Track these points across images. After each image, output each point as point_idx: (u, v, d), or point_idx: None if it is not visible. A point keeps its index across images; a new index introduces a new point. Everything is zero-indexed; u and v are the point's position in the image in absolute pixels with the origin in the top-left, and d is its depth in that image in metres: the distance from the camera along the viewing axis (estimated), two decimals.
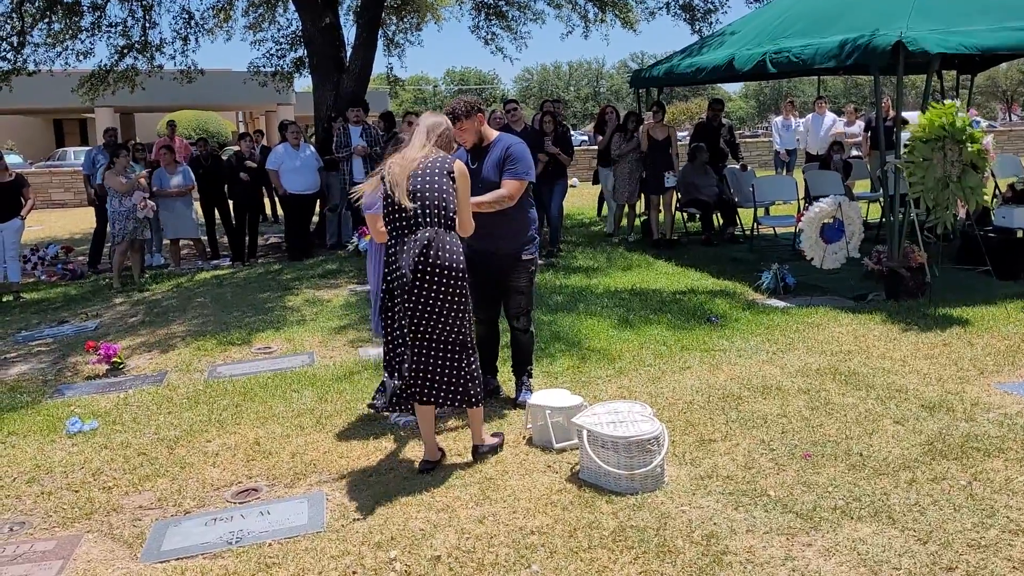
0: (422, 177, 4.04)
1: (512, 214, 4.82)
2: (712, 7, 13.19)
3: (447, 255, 3.98)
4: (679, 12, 13.60)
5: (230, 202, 11.17)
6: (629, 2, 14.91)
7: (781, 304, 7.16)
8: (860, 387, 5.02)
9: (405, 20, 16.87)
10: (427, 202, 4.00)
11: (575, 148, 11.98)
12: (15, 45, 12.53)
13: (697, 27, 13.29)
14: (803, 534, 3.35)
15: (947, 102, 6.74)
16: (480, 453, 4.28)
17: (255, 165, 10.64)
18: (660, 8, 14.14)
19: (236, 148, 11.88)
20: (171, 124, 13.97)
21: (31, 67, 13.02)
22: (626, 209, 11.32)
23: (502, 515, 3.64)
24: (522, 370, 5.08)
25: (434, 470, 4.14)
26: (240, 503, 3.97)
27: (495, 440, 4.39)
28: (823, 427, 4.44)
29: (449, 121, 4.34)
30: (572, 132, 15.24)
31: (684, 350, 5.95)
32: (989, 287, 7.33)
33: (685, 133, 15.46)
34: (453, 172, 4.10)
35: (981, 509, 3.48)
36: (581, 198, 14.76)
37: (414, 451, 4.41)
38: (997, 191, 10.44)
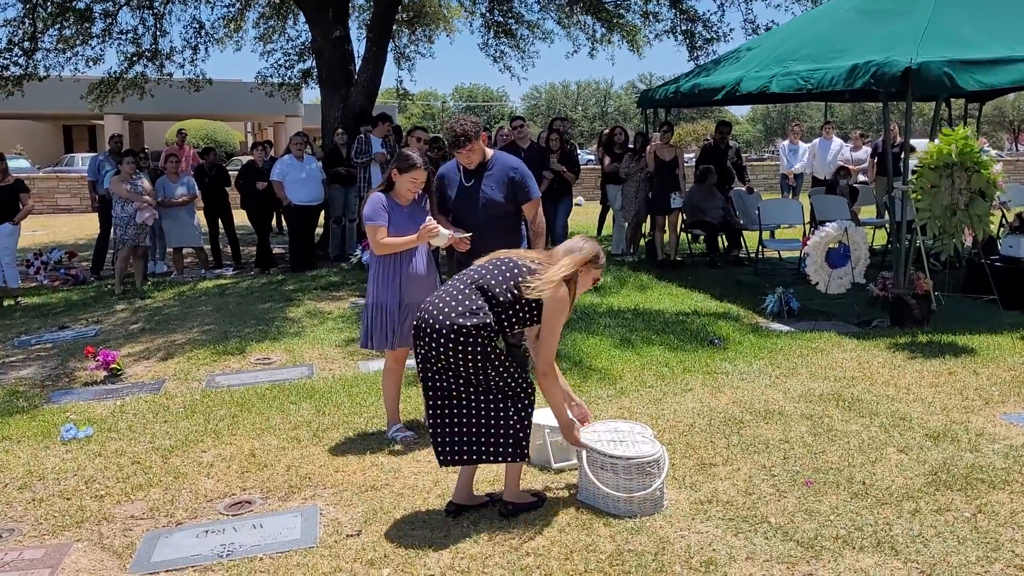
0: (501, 265, 3.70)
1: (506, 231, 4.85)
2: (713, 36, 13.26)
3: (447, 314, 3.55)
4: (680, 38, 13.67)
5: (244, 211, 11.14)
6: (636, 24, 14.98)
7: (785, 328, 7.11)
8: (864, 414, 4.96)
9: (416, 34, 16.95)
10: (488, 273, 3.68)
11: (581, 167, 11.97)
12: (27, 50, 12.59)
13: (695, 55, 13.36)
14: (804, 563, 3.29)
15: (959, 129, 6.71)
16: (508, 511, 3.74)
17: (265, 183, 10.62)
18: (665, 32, 14.20)
19: (250, 157, 11.86)
20: (181, 133, 14.01)
21: (41, 72, 13.07)
22: (626, 228, 11.33)
23: (498, 535, 3.58)
24: None
25: (460, 515, 3.79)
26: (233, 515, 3.91)
27: (532, 499, 3.86)
28: (825, 454, 4.39)
29: (594, 253, 3.72)
30: (579, 151, 15.26)
31: (686, 372, 5.90)
32: (995, 316, 7.27)
33: (691, 155, 15.46)
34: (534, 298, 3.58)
35: (986, 542, 3.42)
36: (586, 216, 14.76)
37: (411, 467, 4.35)
38: (1004, 220, 10.40)
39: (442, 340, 3.53)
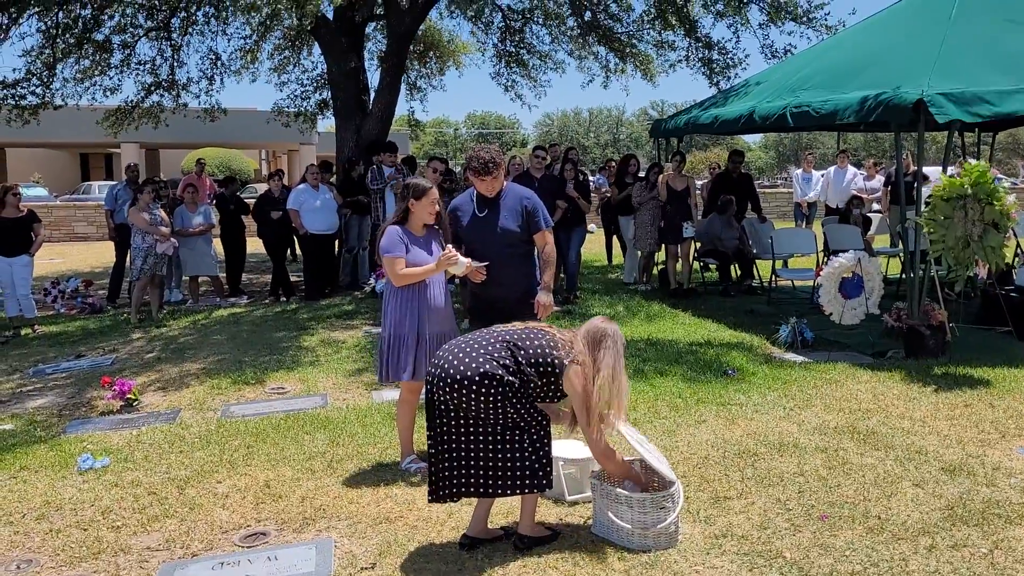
0: (533, 334, 3.73)
1: (519, 261, 4.88)
2: (731, 63, 13.30)
3: (475, 359, 3.57)
4: (698, 65, 13.72)
5: (260, 240, 11.23)
6: (649, 54, 15.06)
7: (799, 359, 7.09)
8: (879, 447, 4.94)
9: (427, 66, 17.11)
10: (518, 336, 3.70)
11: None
12: (44, 80, 12.76)
13: (715, 81, 13.39)
14: None
15: (972, 162, 6.72)
16: (523, 544, 3.73)
17: (280, 212, 10.71)
18: (680, 60, 14.27)
19: (267, 187, 11.95)
20: (200, 162, 14.14)
21: (58, 101, 13.23)
22: (639, 256, 11.36)
23: (512, 568, 3.57)
24: None
25: (474, 548, 3.78)
26: (248, 547, 3.93)
27: (546, 533, 3.84)
28: (840, 488, 4.37)
29: (622, 343, 3.73)
30: (592, 178, 15.34)
31: (700, 403, 5.89)
32: (1010, 348, 7.24)
33: (701, 181, 15.50)
34: (557, 363, 3.60)
35: None
36: (599, 244, 14.79)
37: (425, 499, 4.33)
38: (1019, 250, 10.36)
39: (464, 387, 3.52)
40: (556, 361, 3.60)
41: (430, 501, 3.77)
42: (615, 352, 3.62)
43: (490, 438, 3.64)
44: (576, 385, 3.59)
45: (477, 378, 3.52)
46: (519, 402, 3.58)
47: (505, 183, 4.97)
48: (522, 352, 3.60)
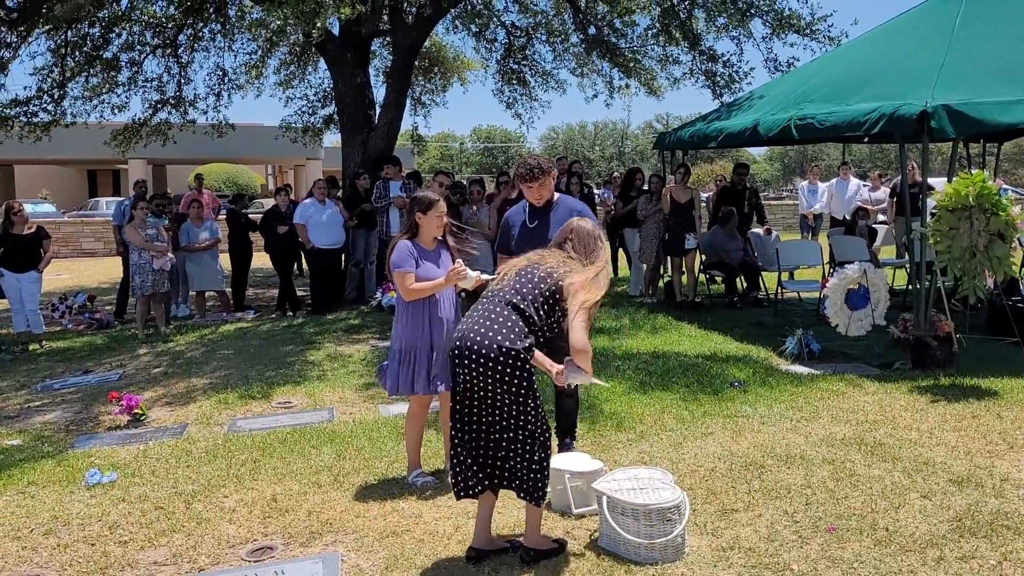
0: (525, 278, 3.81)
1: None
2: (734, 78, 13.33)
3: (492, 338, 3.59)
4: (702, 79, 13.75)
5: (267, 255, 11.27)
6: (653, 69, 15.10)
7: (805, 371, 7.08)
8: (886, 459, 4.93)
9: (432, 81, 17.18)
10: (515, 291, 3.76)
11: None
12: (55, 98, 12.86)
13: (719, 94, 13.43)
14: None
15: (974, 172, 6.72)
16: (530, 557, 3.74)
17: (286, 227, 10.76)
18: (684, 75, 14.30)
19: (274, 202, 12.00)
20: (199, 177, 14.18)
21: (68, 119, 13.33)
22: (645, 268, 11.36)
23: None
24: (567, 433, 5.06)
25: (480, 561, 3.78)
26: (255, 561, 3.93)
27: (553, 545, 3.85)
28: (848, 499, 4.36)
29: (603, 239, 3.99)
30: (597, 192, 15.37)
31: (706, 416, 5.88)
32: (1018, 358, 7.21)
33: (707, 194, 15.52)
34: (555, 288, 3.73)
35: None
36: None
37: (432, 512, 4.36)
38: None
39: (490, 363, 3.56)
40: (556, 281, 3.72)
41: (458, 498, 3.80)
42: (603, 251, 3.91)
43: (505, 423, 3.67)
44: (573, 287, 3.67)
45: (494, 354, 3.55)
46: (535, 396, 3.63)
47: (557, 195, 4.98)
48: (527, 304, 3.68)
